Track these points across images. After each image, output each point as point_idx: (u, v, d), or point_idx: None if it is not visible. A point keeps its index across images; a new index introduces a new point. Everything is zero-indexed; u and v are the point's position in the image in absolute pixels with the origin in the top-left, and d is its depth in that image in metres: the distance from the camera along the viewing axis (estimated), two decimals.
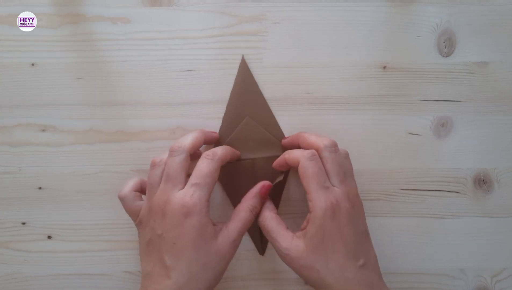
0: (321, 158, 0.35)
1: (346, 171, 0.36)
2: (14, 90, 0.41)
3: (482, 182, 0.42)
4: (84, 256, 0.41)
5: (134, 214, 0.36)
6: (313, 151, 0.35)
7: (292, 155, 0.36)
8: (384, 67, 0.41)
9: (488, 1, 0.41)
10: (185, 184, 0.34)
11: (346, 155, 0.37)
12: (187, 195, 0.33)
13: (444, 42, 0.41)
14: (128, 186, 0.37)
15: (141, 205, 0.36)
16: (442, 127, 0.42)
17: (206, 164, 0.34)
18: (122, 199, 0.36)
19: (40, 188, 0.41)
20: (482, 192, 0.42)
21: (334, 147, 0.36)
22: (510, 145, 0.42)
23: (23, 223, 0.41)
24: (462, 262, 0.42)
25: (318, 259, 0.33)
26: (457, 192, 0.42)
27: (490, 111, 0.42)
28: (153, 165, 0.36)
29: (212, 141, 0.40)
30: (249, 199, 0.37)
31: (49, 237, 0.41)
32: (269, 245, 0.41)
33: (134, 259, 0.41)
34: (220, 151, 0.36)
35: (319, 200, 0.33)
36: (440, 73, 0.41)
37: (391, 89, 0.41)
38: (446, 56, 0.41)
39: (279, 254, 0.35)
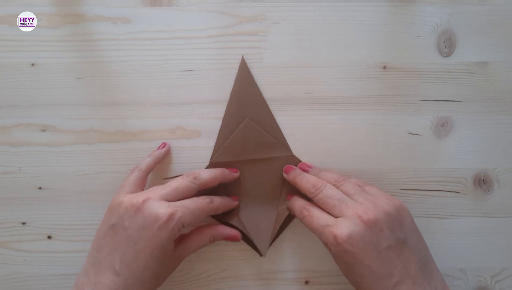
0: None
1: (354, 193, 0.35)
2: (14, 90, 0.41)
3: (482, 182, 0.42)
4: (84, 256, 0.41)
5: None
6: (302, 205, 0.36)
7: (292, 209, 0.38)
8: (384, 67, 0.41)
9: (488, 1, 0.41)
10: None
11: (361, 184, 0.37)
12: (170, 208, 0.34)
13: (444, 42, 0.41)
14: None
15: None
16: (442, 127, 0.41)
17: (205, 206, 0.36)
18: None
19: (40, 188, 0.41)
20: (482, 192, 0.42)
21: (318, 187, 0.36)
22: (510, 145, 0.42)
23: (23, 223, 0.41)
24: (462, 262, 0.42)
25: (351, 280, 0.34)
26: (457, 192, 0.42)
27: (490, 111, 0.42)
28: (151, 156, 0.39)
29: (230, 181, 0.40)
30: (214, 230, 0.38)
31: (49, 237, 0.41)
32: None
33: None
34: (204, 177, 0.37)
35: (326, 239, 0.33)
36: (440, 73, 0.41)
37: (391, 89, 0.41)
38: (446, 56, 0.41)
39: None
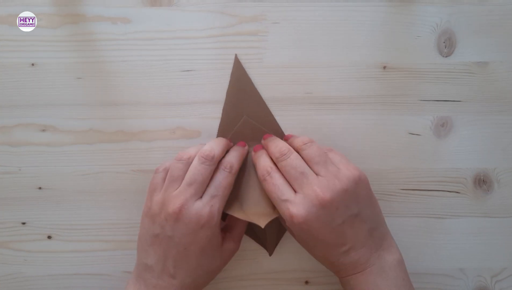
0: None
1: (332, 157, 0.36)
2: (14, 90, 0.41)
3: (482, 182, 0.42)
4: (84, 256, 0.41)
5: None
6: (265, 166, 0.36)
7: (255, 165, 0.38)
8: (384, 67, 0.41)
9: (488, 1, 0.41)
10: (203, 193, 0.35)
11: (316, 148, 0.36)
12: (206, 206, 0.34)
13: (444, 42, 0.41)
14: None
15: None
16: (442, 127, 0.41)
17: (225, 177, 0.36)
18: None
19: (40, 188, 0.41)
20: (482, 192, 0.42)
21: (284, 154, 0.36)
22: (510, 145, 0.42)
23: (23, 223, 0.41)
24: (462, 262, 0.42)
25: (304, 245, 0.37)
26: (457, 192, 0.42)
27: (490, 111, 0.42)
28: (179, 158, 0.36)
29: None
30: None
31: (49, 237, 0.41)
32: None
33: (134, 259, 0.41)
34: (236, 163, 0.37)
35: (283, 213, 0.34)
36: (440, 73, 0.41)
37: (391, 89, 0.41)
38: (446, 56, 0.41)
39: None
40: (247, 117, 0.40)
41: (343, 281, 0.36)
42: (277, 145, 0.37)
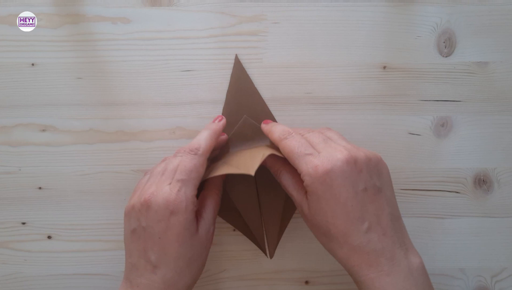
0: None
1: (331, 136, 0.35)
2: (14, 90, 0.41)
3: (482, 182, 0.42)
4: (84, 256, 0.41)
5: None
6: (285, 129, 0.35)
7: (272, 137, 0.36)
8: (384, 67, 0.41)
9: (488, 1, 0.41)
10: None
11: (327, 128, 0.36)
12: (173, 191, 0.33)
13: (444, 42, 0.41)
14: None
15: None
16: (442, 127, 0.41)
17: (190, 159, 0.34)
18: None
19: (40, 188, 0.41)
20: (482, 192, 0.42)
21: (291, 133, 0.35)
22: (510, 145, 0.42)
23: (23, 223, 0.41)
24: (462, 262, 0.42)
25: (320, 224, 0.33)
26: (457, 192, 0.42)
27: (490, 111, 0.42)
28: (163, 160, 0.37)
29: (219, 146, 0.40)
30: (215, 185, 0.37)
31: (49, 237, 0.41)
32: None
33: None
34: (204, 143, 0.35)
35: (305, 169, 0.32)
36: (440, 73, 0.41)
37: (391, 89, 0.41)
38: (446, 56, 0.41)
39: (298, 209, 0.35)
40: (247, 117, 0.40)
41: (365, 284, 0.31)
42: (282, 128, 0.36)
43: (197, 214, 0.35)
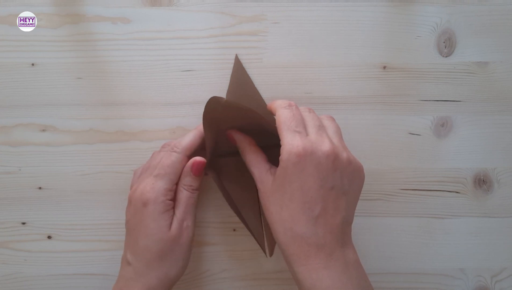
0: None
1: (327, 126, 0.35)
2: (14, 90, 0.41)
3: (482, 182, 0.42)
4: (84, 256, 0.41)
5: None
6: (288, 102, 0.35)
7: (273, 106, 0.36)
8: (384, 67, 0.41)
9: (488, 1, 0.41)
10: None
11: (330, 117, 0.36)
12: (148, 184, 0.35)
13: (444, 42, 0.41)
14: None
15: None
16: (442, 127, 0.42)
17: (168, 155, 0.36)
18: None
19: (40, 188, 0.41)
20: (482, 192, 0.42)
21: (292, 105, 0.35)
22: (510, 145, 0.42)
23: (23, 223, 0.41)
24: (462, 262, 0.42)
25: (276, 202, 0.32)
26: (457, 192, 0.42)
27: (490, 111, 0.42)
28: (152, 155, 0.38)
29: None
30: (182, 179, 0.37)
31: (49, 237, 0.41)
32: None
33: None
34: (185, 142, 0.37)
35: (288, 143, 0.32)
36: (440, 73, 0.41)
37: (391, 89, 0.41)
38: (446, 56, 0.41)
39: (257, 188, 0.35)
40: (228, 100, 0.36)
41: (302, 275, 0.31)
42: (287, 100, 0.36)
43: (173, 212, 0.36)
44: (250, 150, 0.36)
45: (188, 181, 0.37)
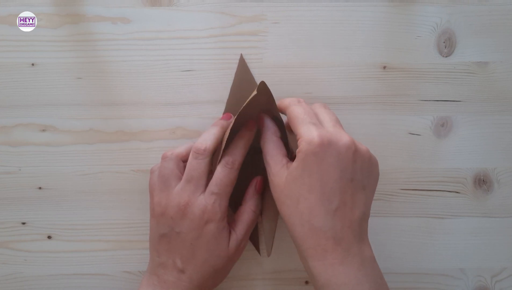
0: None
1: (340, 125, 0.35)
2: (14, 90, 0.41)
3: (482, 182, 0.42)
4: (84, 256, 0.41)
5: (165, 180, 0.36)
6: (300, 98, 0.35)
7: (282, 104, 0.36)
8: (384, 67, 0.41)
9: (488, 1, 0.41)
10: (205, 188, 0.35)
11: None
12: (209, 203, 0.35)
13: (444, 42, 0.41)
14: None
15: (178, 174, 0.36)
16: (442, 127, 0.42)
17: (227, 174, 0.35)
18: (165, 158, 0.37)
19: (40, 188, 0.41)
20: (482, 192, 0.42)
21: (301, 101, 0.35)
22: (510, 145, 0.42)
23: (23, 223, 0.41)
24: (462, 262, 0.42)
25: (292, 194, 0.32)
26: (457, 192, 0.42)
27: (490, 111, 0.42)
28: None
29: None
30: (249, 200, 0.38)
31: (49, 237, 0.41)
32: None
33: (134, 259, 0.41)
34: (239, 158, 0.36)
35: (306, 134, 0.31)
36: (440, 73, 0.41)
37: (391, 89, 0.41)
38: (446, 56, 0.41)
39: (269, 180, 0.35)
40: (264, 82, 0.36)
41: (317, 270, 0.31)
42: (295, 98, 0.36)
43: (230, 228, 0.37)
44: (272, 140, 0.35)
45: (254, 201, 0.38)
